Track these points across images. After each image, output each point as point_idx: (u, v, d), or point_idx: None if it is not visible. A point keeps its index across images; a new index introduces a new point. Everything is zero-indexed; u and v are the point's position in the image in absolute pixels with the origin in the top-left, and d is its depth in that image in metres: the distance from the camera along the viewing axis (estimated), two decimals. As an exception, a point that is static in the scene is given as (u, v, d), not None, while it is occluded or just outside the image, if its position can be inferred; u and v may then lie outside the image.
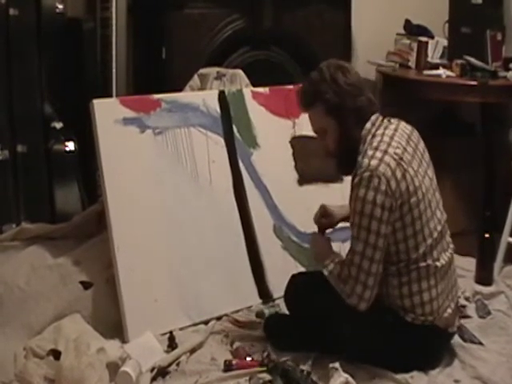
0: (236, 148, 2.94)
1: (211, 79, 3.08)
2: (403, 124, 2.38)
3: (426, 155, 2.39)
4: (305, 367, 2.31)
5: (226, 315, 2.70)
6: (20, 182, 3.05)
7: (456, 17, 3.63)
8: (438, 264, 2.30)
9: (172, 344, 2.48)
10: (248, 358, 2.39)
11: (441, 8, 3.69)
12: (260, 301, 2.82)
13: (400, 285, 2.29)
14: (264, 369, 2.32)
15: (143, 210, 2.65)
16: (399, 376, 2.28)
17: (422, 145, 2.39)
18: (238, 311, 2.74)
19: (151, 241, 2.65)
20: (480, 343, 2.53)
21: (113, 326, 2.53)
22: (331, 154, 2.36)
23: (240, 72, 3.16)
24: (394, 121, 2.37)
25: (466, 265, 3.14)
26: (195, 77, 3.09)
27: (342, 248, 2.87)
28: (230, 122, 2.95)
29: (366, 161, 2.22)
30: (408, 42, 3.78)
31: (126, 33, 3.54)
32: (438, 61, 3.72)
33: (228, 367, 2.34)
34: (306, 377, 2.25)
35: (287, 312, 2.62)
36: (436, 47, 3.77)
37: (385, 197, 2.18)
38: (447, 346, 2.45)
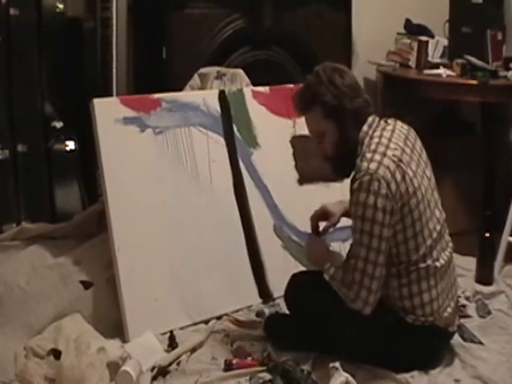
0: (236, 147, 2.94)
1: (211, 79, 3.08)
2: (400, 124, 2.37)
3: (424, 154, 2.39)
4: (305, 367, 2.31)
5: (227, 315, 2.70)
6: (20, 182, 3.05)
7: (456, 16, 3.63)
8: (437, 264, 2.29)
9: (172, 343, 2.48)
10: (248, 358, 2.39)
11: (441, 7, 3.69)
12: (260, 300, 2.83)
13: (400, 286, 2.29)
14: (264, 368, 2.32)
15: (143, 209, 2.65)
16: (399, 376, 2.28)
17: (419, 144, 2.39)
18: (238, 311, 2.74)
19: (151, 240, 2.65)
20: (480, 343, 2.53)
21: (113, 325, 2.53)
22: (329, 157, 2.35)
23: (240, 71, 3.16)
24: (390, 121, 2.36)
25: (467, 264, 3.14)
26: (195, 76, 3.09)
27: (342, 247, 2.88)
28: (230, 122, 2.95)
29: (364, 164, 2.21)
30: (408, 41, 3.78)
31: (127, 32, 3.54)
32: (438, 60, 3.72)
33: (228, 367, 2.34)
34: (306, 376, 2.25)
35: (287, 311, 2.62)
36: (436, 47, 3.76)
37: (385, 200, 2.17)
38: (447, 346, 2.45)
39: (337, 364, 2.20)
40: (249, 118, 3.01)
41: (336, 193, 2.95)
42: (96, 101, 2.64)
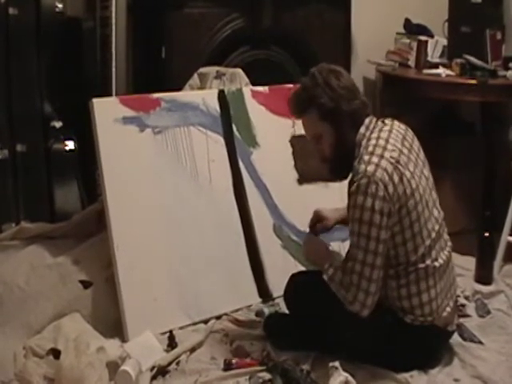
0: (236, 147, 2.94)
1: (211, 78, 3.08)
2: (397, 124, 2.36)
3: (421, 154, 2.38)
4: (304, 366, 2.31)
5: (226, 314, 2.70)
6: (19, 182, 3.05)
7: (456, 16, 3.63)
8: (436, 264, 2.29)
9: (172, 343, 2.48)
10: (248, 357, 2.39)
11: (440, 7, 3.69)
12: (260, 300, 2.82)
13: (398, 287, 2.28)
14: (264, 368, 2.32)
15: (143, 209, 2.65)
16: (399, 375, 2.28)
17: (416, 144, 2.37)
18: (237, 310, 2.74)
19: (151, 240, 2.64)
20: (480, 342, 2.53)
21: (112, 325, 2.53)
22: (327, 160, 2.34)
23: (240, 71, 3.16)
24: (387, 122, 2.34)
25: (466, 264, 3.14)
26: (195, 76, 3.09)
27: (341, 247, 2.88)
28: (229, 121, 2.95)
29: (362, 166, 2.20)
30: (408, 41, 3.78)
31: (126, 32, 3.54)
32: (437, 60, 3.72)
33: (228, 366, 2.34)
34: (305, 376, 2.25)
35: (287, 311, 2.62)
36: (436, 46, 3.76)
37: (383, 202, 2.16)
38: (447, 345, 2.45)
39: (336, 363, 2.20)
40: (248, 118, 3.01)
41: (335, 192, 2.95)
42: (95, 100, 2.64)
